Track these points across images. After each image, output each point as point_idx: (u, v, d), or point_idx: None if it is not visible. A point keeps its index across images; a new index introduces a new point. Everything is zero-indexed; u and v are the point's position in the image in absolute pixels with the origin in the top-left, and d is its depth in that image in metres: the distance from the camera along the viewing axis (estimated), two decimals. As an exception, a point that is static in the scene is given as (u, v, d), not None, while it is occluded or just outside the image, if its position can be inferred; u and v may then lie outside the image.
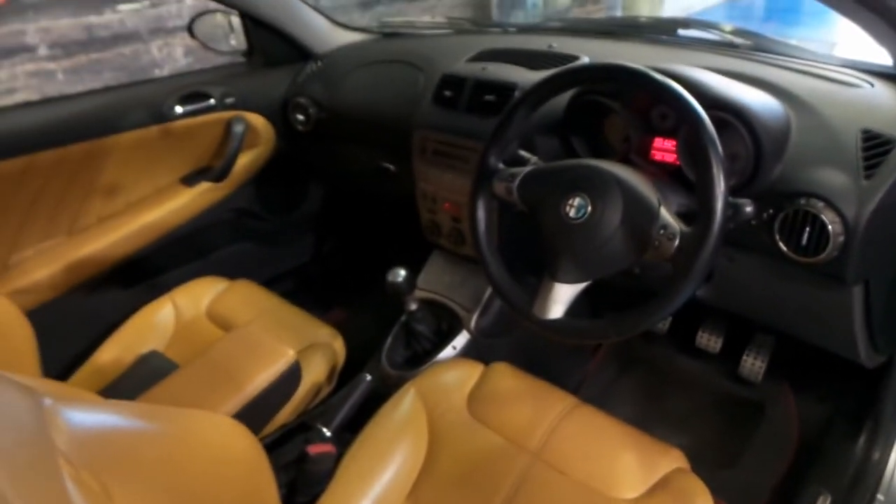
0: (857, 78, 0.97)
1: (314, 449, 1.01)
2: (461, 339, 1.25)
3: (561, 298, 0.88)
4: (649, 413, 1.40)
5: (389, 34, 1.72)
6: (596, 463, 0.95)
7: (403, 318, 1.26)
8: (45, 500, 0.47)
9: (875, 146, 0.84)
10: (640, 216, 0.81)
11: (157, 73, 2.73)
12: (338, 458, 1.02)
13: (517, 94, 1.12)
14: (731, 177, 0.90)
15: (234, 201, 1.65)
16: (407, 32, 1.69)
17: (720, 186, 0.73)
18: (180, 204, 1.54)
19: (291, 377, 1.00)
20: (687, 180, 0.94)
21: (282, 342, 1.02)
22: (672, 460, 0.94)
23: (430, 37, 1.60)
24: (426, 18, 1.77)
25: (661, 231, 0.79)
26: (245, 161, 1.62)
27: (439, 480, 1.00)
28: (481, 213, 0.97)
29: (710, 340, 1.39)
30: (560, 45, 1.27)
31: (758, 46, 1.12)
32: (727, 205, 0.74)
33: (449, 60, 1.32)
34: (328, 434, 1.06)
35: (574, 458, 0.96)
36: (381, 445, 1.03)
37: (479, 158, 0.97)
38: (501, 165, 0.97)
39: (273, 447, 1.05)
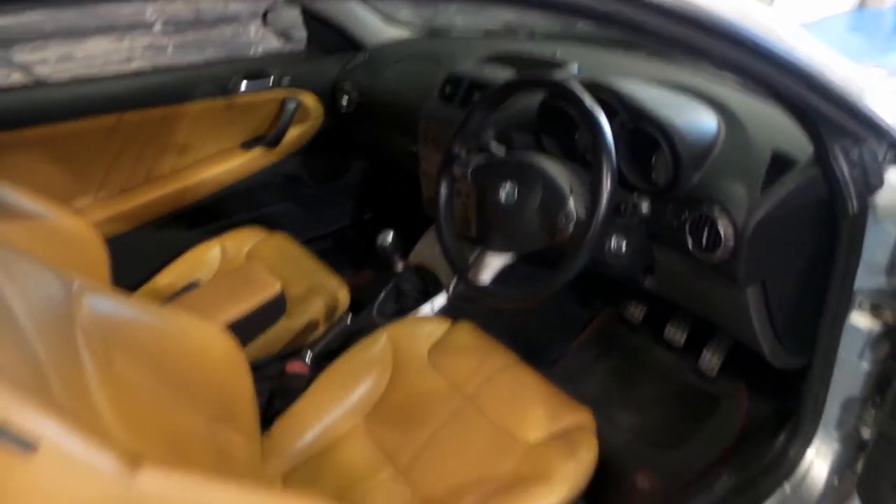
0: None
1: (291, 367, 1.25)
2: (440, 301, 1.45)
3: (491, 266, 1.06)
4: (612, 394, 1.53)
5: (432, 34, 1.91)
6: (513, 410, 1.12)
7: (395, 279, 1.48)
8: (62, 353, 0.70)
9: (779, 165, 0.95)
10: (552, 204, 0.97)
11: (252, 51, 3.07)
12: (310, 379, 1.25)
13: (476, 96, 1.29)
14: (649, 181, 1.04)
15: (283, 167, 1.92)
16: (446, 33, 1.88)
17: (606, 186, 0.89)
18: (237, 164, 1.83)
19: (276, 304, 1.24)
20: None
21: (276, 278, 1.26)
22: (577, 417, 1.10)
23: (464, 38, 1.79)
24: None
25: (564, 218, 0.95)
26: (295, 133, 1.88)
27: (391, 410, 1.20)
28: (443, 190, 1.16)
29: (675, 334, 1.49)
30: (562, 53, 1.42)
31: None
32: (611, 200, 0.89)
33: (463, 60, 1.51)
34: (307, 359, 1.29)
35: (497, 404, 1.14)
36: (350, 374, 1.25)
37: (447, 146, 1.15)
38: (464, 154, 1.15)
39: (262, 366, 1.30)
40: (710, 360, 1.43)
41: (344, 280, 1.57)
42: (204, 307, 1.17)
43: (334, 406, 1.21)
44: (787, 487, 1.15)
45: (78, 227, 1.51)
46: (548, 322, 1.66)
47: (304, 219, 2.02)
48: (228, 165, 1.82)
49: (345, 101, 1.84)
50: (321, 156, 1.99)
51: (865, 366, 1.03)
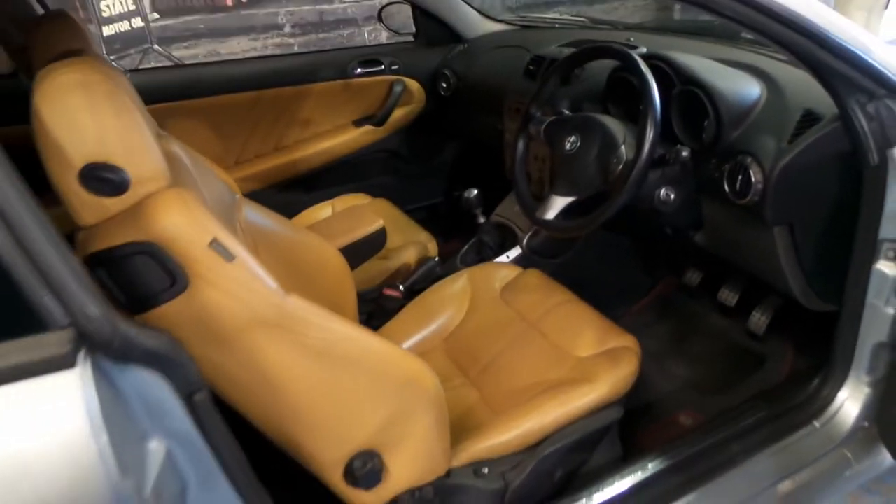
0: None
1: (387, 291, 1.51)
2: (515, 252, 1.67)
3: (555, 206, 1.27)
4: (666, 349, 1.68)
5: (525, 26, 2.15)
6: (568, 333, 1.31)
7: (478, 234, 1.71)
8: (229, 233, 0.94)
9: (807, 121, 1.10)
10: (607, 150, 1.17)
11: (365, 51, 3.44)
12: (402, 304, 1.50)
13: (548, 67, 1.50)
14: (700, 140, 1.21)
15: (387, 144, 2.21)
16: (539, 25, 2.11)
17: (650, 132, 1.07)
18: (349, 139, 2.14)
19: (378, 236, 1.51)
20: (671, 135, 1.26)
21: (379, 219, 1.53)
22: (624, 341, 1.27)
23: (552, 29, 2.01)
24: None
25: (616, 160, 1.15)
26: (400, 114, 2.18)
27: (466, 334, 1.43)
28: (521, 146, 1.38)
29: (728, 297, 1.62)
30: (636, 39, 1.60)
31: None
32: (654, 146, 1.08)
33: (548, 45, 1.73)
34: (401, 287, 1.55)
35: (555, 329, 1.34)
36: (435, 303, 1.49)
37: (525, 109, 1.38)
38: (539, 115, 1.37)
39: (363, 294, 1.56)
40: (759, 320, 1.55)
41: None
42: (322, 233, 1.46)
43: (420, 328, 1.45)
44: (816, 423, 1.27)
45: (225, 180, 1.86)
46: (613, 285, 1.83)
47: (402, 191, 2.30)
48: (342, 139, 2.14)
49: (444, 86, 2.11)
50: (421, 135, 2.27)
51: (891, 311, 1.14)
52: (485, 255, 1.71)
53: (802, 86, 1.17)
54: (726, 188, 1.17)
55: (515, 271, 1.55)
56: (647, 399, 1.54)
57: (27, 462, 0.51)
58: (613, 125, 1.20)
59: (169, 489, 0.64)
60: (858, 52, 0.95)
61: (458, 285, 1.53)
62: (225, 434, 0.69)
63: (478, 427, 1.16)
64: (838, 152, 1.08)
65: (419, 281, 1.58)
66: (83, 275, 0.56)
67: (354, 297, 1.38)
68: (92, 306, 0.55)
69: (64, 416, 0.52)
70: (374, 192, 2.13)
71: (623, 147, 1.15)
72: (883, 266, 1.12)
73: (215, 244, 0.77)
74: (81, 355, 0.54)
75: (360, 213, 1.57)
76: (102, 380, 0.56)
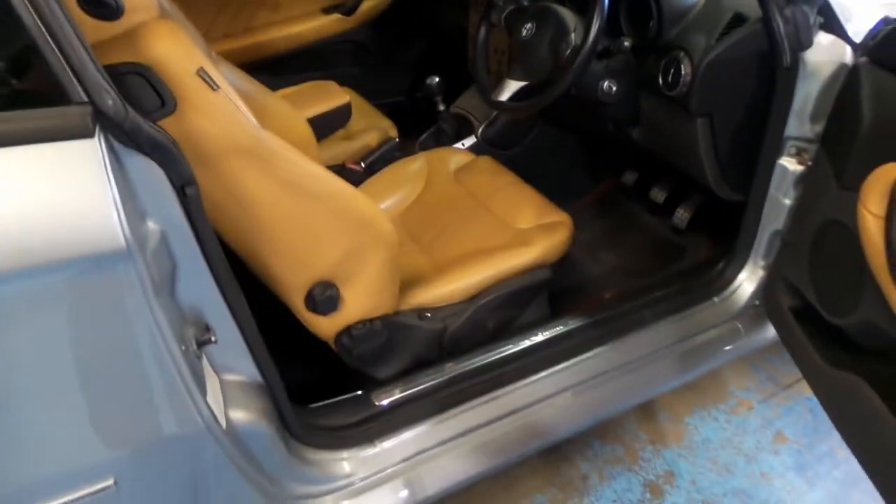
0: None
1: (349, 164, 1.62)
2: (470, 141, 1.79)
3: (509, 89, 1.38)
4: (601, 241, 1.86)
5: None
6: (512, 209, 1.46)
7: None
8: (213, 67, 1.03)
9: (735, 22, 1.24)
10: (559, 37, 1.29)
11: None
12: (363, 179, 1.62)
13: None
14: (644, 37, 1.34)
15: (355, 34, 2.26)
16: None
17: (596, 22, 1.19)
18: (318, 25, 2.18)
19: (343, 110, 1.61)
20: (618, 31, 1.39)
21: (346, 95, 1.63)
22: (559, 217, 1.43)
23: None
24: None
25: (565, 45, 1.26)
26: (369, 5, 2.21)
27: (421, 208, 1.57)
28: (482, 32, 1.48)
29: (657, 195, 1.80)
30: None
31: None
32: (599, 33, 1.19)
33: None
34: (362, 164, 1.67)
35: (501, 205, 1.48)
36: (393, 180, 1.61)
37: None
38: (501, 3, 1.46)
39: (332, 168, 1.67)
40: (682, 215, 1.74)
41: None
42: (292, 101, 1.54)
43: (380, 200, 1.57)
44: (716, 299, 1.48)
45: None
46: (558, 181, 1.98)
47: (368, 83, 2.35)
48: (310, 25, 2.17)
49: (413, -21, 2.16)
50: (390, 28, 2.31)
51: (787, 202, 1.32)
52: (442, 142, 1.83)
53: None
54: (660, 81, 1.31)
55: (470, 156, 1.68)
56: (578, 280, 1.73)
57: (56, 208, 0.62)
58: (566, 14, 1.31)
59: (162, 265, 0.76)
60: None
61: (415, 165, 1.65)
62: (209, 228, 0.82)
63: (425, 281, 1.31)
64: (758, 52, 1.22)
65: (379, 160, 1.69)
66: (101, 69, 0.66)
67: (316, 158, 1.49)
68: (108, 93, 0.65)
69: (87, 177, 0.63)
70: (341, 82, 2.19)
71: (573, 34, 1.27)
72: (785, 161, 1.29)
73: (202, 72, 0.87)
74: (97, 130, 0.65)
75: (329, 87, 1.66)
76: (113, 154, 0.67)
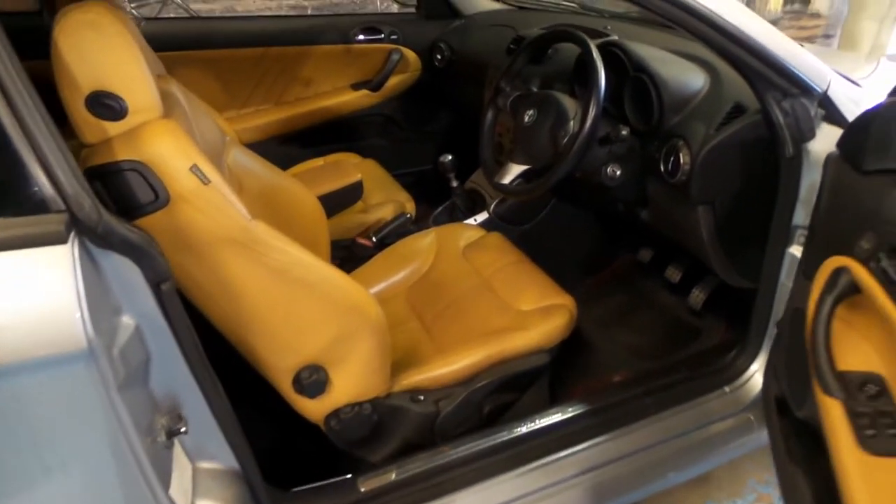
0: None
1: (359, 239, 1.66)
2: (482, 216, 1.81)
3: (511, 172, 1.40)
4: (614, 318, 1.82)
5: (520, 7, 2.26)
6: (515, 289, 1.46)
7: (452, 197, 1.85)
8: (209, 161, 1.09)
9: (735, 112, 1.23)
10: (559, 124, 1.31)
11: (377, 19, 3.56)
12: (373, 253, 1.65)
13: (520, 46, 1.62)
14: (648, 123, 1.34)
15: (382, 109, 2.35)
16: (532, 7, 2.23)
17: (592, 111, 1.21)
18: (346, 100, 2.28)
19: (354, 188, 1.66)
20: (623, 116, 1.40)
21: (358, 174, 1.68)
22: (562, 299, 1.42)
23: (544, 11, 2.12)
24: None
25: (564, 133, 1.28)
26: (396, 81, 2.31)
27: (428, 284, 1.58)
28: (489, 116, 1.52)
29: (673, 273, 1.76)
30: (612, 28, 1.72)
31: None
32: (595, 122, 1.21)
33: (532, 27, 1.85)
34: (373, 238, 1.70)
35: (504, 285, 1.48)
36: (403, 255, 1.64)
37: (495, 83, 1.51)
38: (508, 89, 1.50)
39: (339, 241, 1.71)
40: (697, 296, 1.69)
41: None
42: (303, 181, 1.60)
43: (387, 276, 1.60)
44: (727, 388, 1.42)
45: (225, 128, 2.00)
46: (572, 257, 1.97)
47: (392, 154, 2.43)
48: (339, 100, 2.27)
49: (439, 58, 2.24)
50: (414, 103, 2.40)
51: (799, 290, 1.28)
52: (455, 217, 1.85)
53: (739, 81, 1.29)
54: (662, 168, 1.30)
55: (480, 233, 1.70)
56: (586, 359, 1.69)
57: (22, 312, 0.66)
58: (567, 102, 1.33)
59: (137, 356, 0.79)
60: (772, 52, 1.07)
61: (425, 240, 1.68)
62: (185, 320, 0.85)
63: (421, 361, 1.31)
64: (758, 141, 1.20)
65: (391, 234, 1.72)
66: (79, 173, 0.71)
67: (327, 242, 1.53)
68: (83, 198, 0.70)
69: (56, 279, 0.67)
70: (365, 153, 2.27)
71: (571, 122, 1.29)
72: (795, 250, 1.25)
73: (195, 169, 0.92)
74: (72, 235, 0.69)
75: (342, 166, 1.72)
76: (87, 257, 0.71)
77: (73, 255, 0.69)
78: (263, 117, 2.21)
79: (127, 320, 0.77)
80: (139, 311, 0.79)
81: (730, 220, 1.30)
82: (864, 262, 0.79)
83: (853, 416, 0.76)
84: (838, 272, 0.82)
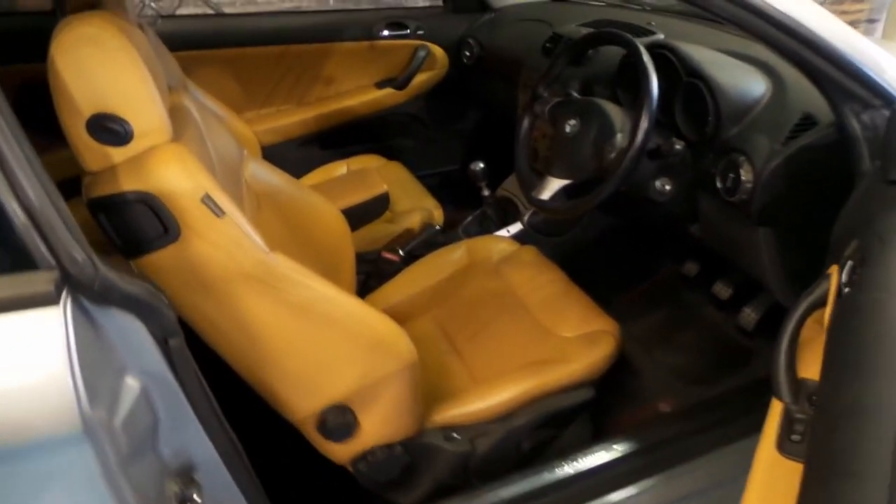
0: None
1: (385, 254, 1.56)
2: (515, 228, 1.70)
3: (551, 187, 1.29)
4: (657, 336, 1.70)
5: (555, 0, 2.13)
6: (554, 312, 1.35)
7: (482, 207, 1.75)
8: (222, 190, 0.99)
9: (804, 124, 1.10)
10: (604, 136, 1.19)
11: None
12: (400, 268, 1.55)
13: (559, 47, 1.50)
14: (702, 133, 1.22)
15: (408, 107, 2.23)
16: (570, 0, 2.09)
17: (644, 125, 1.09)
18: (370, 99, 2.17)
19: (380, 201, 1.56)
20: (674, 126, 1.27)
21: (384, 185, 1.57)
22: (605, 325, 1.31)
23: (580, 4, 1.98)
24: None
25: (610, 147, 1.16)
26: (422, 79, 2.19)
27: (459, 302, 1.48)
28: (525, 124, 1.40)
29: (721, 290, 1.63)
30: (656, 23, 1.59)
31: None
32: (647, 136, 1.09)
33: (569, 22, 1.72)
34: (400, 252, 1.60)
35: (543, 307, 1.37)
36: (431, 270, 1.54)
37: (532, 87, 1.39)
38: (546, 95, 1.38)
39: (364, 255, 1.62)
40: (749, 316, 1.56)
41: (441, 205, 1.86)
42: (326, 193, 1.51)
43: (415, 291, 1.50)
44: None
45: (244, 131, 1.91)
46: (610, 269, 1.85)
47: (417, 155, 2.33)
48: (363, 99, 2.17)
49: (467, 54, 2.12)
50: (441, 102, 2.28)
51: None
52: (487, 227, 1.75)
53: (807, 88, 1.16)
54: (718, 184, 1.18)
55: (514, 246, 1.59)
56: (629, 383, 1.58)
57: (6, 385, 0.58)
58: (613, 112, 1.21)
59: (143, 421, 0.71)
60: (855, 60, 0.94)
61: (456, 255, 1.57)
62: (196, 378, 0.76)
63: (455, 394, 1.21)
64: (830, 158, 1.07)
65: (419, 247, 1.62)
66: (72, 222, 0.62)
67: (352, 258, 1.43)
68: (77, 251, 0.61)
69: (44, 347, 0.59)
70: (390, 155, 2.16)
71: (619, 135, 1.17)
72: (865, 274, 1.13)
73: (207, 199, 0.83)
74: (64, 294, 0.60)
75: (367, 176, 1.62)
76: (82, 317, 0.62)
77: (65, 317, 0.60)
78: (284, 118, 2.11)
79: (131, 382, 0.69)
80: (145, 370, 0.70)
81: (795, 244, 1.18)
82: (841, 269, 0.78)
83: (787, 420, 0.75)
84: (822, 278, 0.82)
